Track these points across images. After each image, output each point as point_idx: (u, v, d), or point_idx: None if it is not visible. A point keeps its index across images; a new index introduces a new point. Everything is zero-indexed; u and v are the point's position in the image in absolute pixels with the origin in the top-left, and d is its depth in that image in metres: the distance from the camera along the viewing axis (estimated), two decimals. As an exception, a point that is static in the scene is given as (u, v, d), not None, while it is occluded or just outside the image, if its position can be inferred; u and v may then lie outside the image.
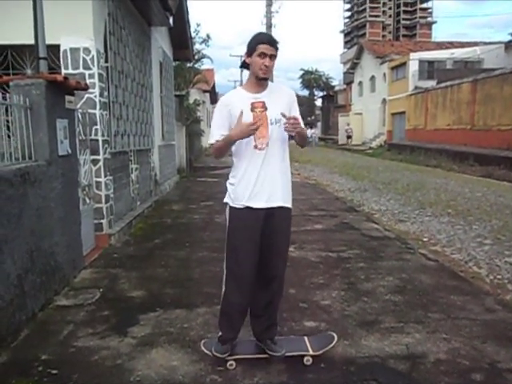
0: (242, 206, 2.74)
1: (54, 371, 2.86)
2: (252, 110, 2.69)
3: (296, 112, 2.82)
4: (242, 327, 2.99)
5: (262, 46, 2.61)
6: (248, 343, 3.07)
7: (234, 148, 2.77)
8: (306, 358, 2.92)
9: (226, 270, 2.87)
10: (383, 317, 3.64)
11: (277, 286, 2.91)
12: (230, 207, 2.81)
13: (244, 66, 2.76)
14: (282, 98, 2.78)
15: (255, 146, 2.70)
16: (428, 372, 2.82)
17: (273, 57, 2.66)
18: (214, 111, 2.80)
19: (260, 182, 2.71)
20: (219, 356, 2.88)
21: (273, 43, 2.64)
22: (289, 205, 2.83)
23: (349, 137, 35.91)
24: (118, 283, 4.54)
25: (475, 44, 30.68)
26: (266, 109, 2.71)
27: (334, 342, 3.01)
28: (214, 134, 2.76)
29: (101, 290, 4.34)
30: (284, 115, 2.64)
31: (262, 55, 2.62)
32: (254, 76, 2.71)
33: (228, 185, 2.85)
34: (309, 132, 36.00)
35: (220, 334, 2.95)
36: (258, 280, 2.86)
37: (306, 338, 3.09)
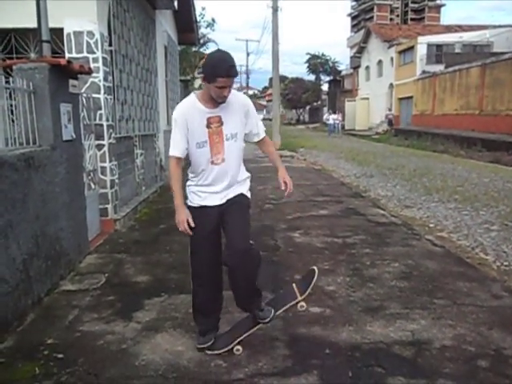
0: (197, 205, 2.84)
1: (60, 355, 2.88)
2: (208, 126, 2.70)
3: (253, 118, 2.87)
4: (216, 319, 3.02)
5: (221, 79, 2.52)
6: (242, 322, 3.06)
7: (191, 159, 2.81)
8: (299, 305, 2.95)
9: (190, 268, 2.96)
10: (388, 303, 3.63)
11: (240, 262, 2.73)
12: (188, 206, 2.88)
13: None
14: (237, 110, 2.78)
15: (212, 162, 2.75)
16: (433, 358, 2.81)
17: (231, 85, 2.61)
18: (173, 122, 2.78)
19: (216, 190, 2.80)
20: (203, 347, 2.92)
21: (232, 74, 2.55)
22: (242, 191, 2.88)
23: (390, 123, 29.96)
24: (123, 268, 4.56)
25: (484, 27, 30.11)
26: (222, 123, 2.72)
27: (316, 275, 3.00)
28: (175, 146, 2.77)
29: (106, 274, 4.36)
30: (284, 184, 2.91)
31: (221, 88, 2.56)
32: (211, 95, 2.65)
33: (186, 187, 2.92)
34: (331, 118, 31.85)
35: (198, 328, 3.01)
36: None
37: (294, 285, 3.10)
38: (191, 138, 2.73)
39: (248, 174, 2.97)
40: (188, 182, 2.93)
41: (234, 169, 2.82)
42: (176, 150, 2.78)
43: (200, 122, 2.69)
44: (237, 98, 2.80)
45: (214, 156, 2.74)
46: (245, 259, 2.72)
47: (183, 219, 2.77)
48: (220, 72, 2.51)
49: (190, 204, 2.88)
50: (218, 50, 2.79)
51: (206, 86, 2.63)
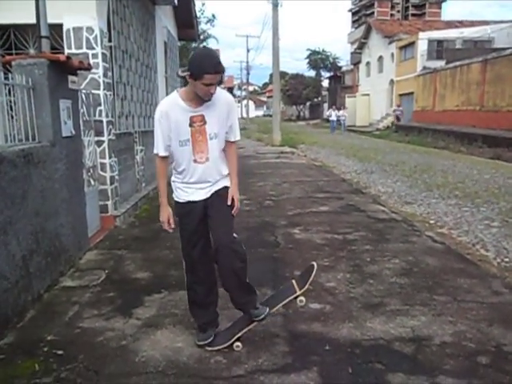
0: (184, 201, 2.88)
1: (60, 352, 2.88)
2: (190, 124, 2.70)
3: (233, 120, 2.86)
4: (214, 313, 3.03)
5: (209, 76, 2.51)
6: (242, 319, 3.03)
7: (174, 157, 2.84)
8: (298, 300, 2.94)
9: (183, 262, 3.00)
10: (389, 299, 3.62)
11: (224, 257, 2.74)
12: (175, 201, 2.93)
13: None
14: (221, 109, 2.76)
15: (195, 161, 2.77)
16: (433, 355, 2.80)
17: (217, 82, 2.60)
18: (155, 120, 2.78)
19: (200, 186, 2.83)
20: (203, 343, 2.92)
21: (219, 71, 2.55)
22: (226, 184, 2.90)
23: (398, 119, 28.31)
24: (123, 265, 4.55)
25: (486, 23, 30.00)
26: (205, 122, 2.71)
27: (315, 270, 2.99)
28: (158, 145, 2.81)
29: (106, 271, 4.35)
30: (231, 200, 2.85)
31: (208, 85, 2.55)
32: (196, 93, 2.64)
33: (172, 183, 2.96)
34: (334, 114, 30.06)
35: (196, 323, 3.01)
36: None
37: (293, 281, 3.10)
38: (174, 136, 2.74)
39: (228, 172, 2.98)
40: (173, 178, 2.94)
41: (219, 166, 2.85)
42: (159, 148, 2.82)
43: (182, 121, 2.69)
44: (221, 96, 2.77)
45: (196, 154, 2.75)
46: (228, 253, 2.73)
47: (164, 220, 2.92)
48: (207, 69, 2.51)
49: (176, 200, 2.92)
50: (204, 47, 2.81)
51: (191, 83, 2.61)
